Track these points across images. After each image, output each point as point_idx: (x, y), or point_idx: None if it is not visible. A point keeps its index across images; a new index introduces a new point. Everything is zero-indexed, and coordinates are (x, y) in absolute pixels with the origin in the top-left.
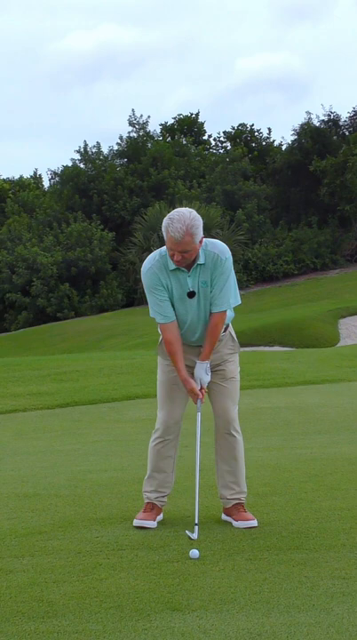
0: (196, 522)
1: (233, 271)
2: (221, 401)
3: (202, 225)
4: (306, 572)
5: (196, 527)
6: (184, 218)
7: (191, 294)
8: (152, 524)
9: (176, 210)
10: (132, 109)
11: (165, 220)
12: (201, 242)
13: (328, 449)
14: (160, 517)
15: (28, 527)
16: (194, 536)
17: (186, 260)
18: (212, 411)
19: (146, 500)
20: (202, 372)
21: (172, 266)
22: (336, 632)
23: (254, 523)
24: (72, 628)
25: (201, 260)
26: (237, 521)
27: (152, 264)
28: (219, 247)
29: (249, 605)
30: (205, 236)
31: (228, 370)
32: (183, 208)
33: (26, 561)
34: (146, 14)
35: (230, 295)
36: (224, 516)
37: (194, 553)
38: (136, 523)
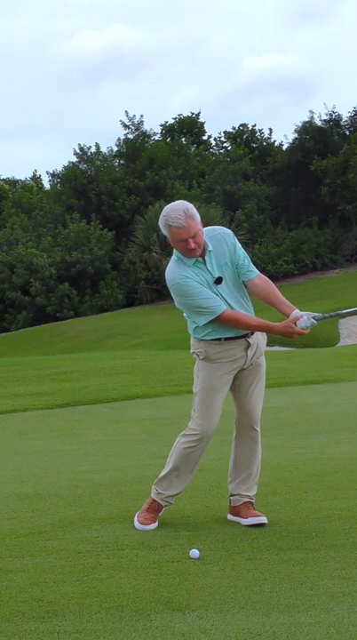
0: None
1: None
2: (252, 398)
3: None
4: (306, 572)
5: None
6: (177, 206)
7: (218, 280)
8: (154, 525)
9: (165, 207)
10: (126, 111)
11: (161, 219)
12: (202, 224)
13: (328, 449)
14: (161, 512)
15: (28, 527)
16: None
17: (199, 245)
18: (237, 406)
19: (154, 497)
20: (303, 315)
21: (190, 262)
22: (336, 632)
23: (264, 519)
24: (72, 627)
25: (210, 247)
26: (247, 518)
27: (177, 271)
28: (216, 229)
29: (250, 605)
30: None
31: (263, 364)
32: (170, 203)
33: (26, 561)
34: (153, 16)
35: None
36: (230, 517)
37: (194, 553)
38: (139, 527)
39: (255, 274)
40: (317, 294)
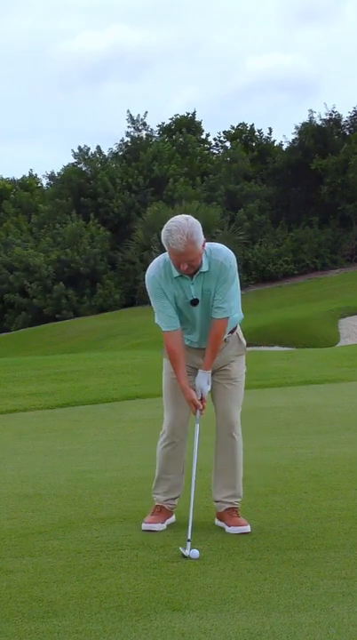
0: (189, 538)
1: (237, 278)
2: (224, 402)
3: (201, 229)
4: (306, 572)
5: (189, 543)
6: (182, 227)
7: (194, 302)
8: (160, 526)
9: (172, 220)
10: (127, 110)
11: (164, 233)
12: (203, 245)
13: (328, 449)
14: (172, 520)
15: (28, 527)
16: (187, 552)
17: (193, 267)
18: (214, 411)
19: (156, 503)
20: (204, 382)
21: (176, 273)
22: (336, 632)
23: (247, 528)
24: (72, 628)
25: (204, 268)
26: (230, 526)
27: (155, 273)
28: (224, 253)
29: (250, 605)
30: (206, 238)
31: (233, 370)
32: (178, 216)
33: (26, 561)
34: (153, 16)
35: (233, 302)
36: (217, 522)
37: (195, 553)
38: (144, 527)
39: (217, 316)
40: (317, 294)
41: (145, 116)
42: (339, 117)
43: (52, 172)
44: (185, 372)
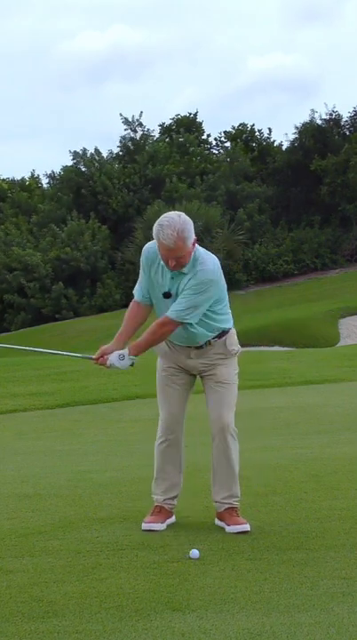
0: None
1: (221, 287)
2: (216, 405)
3: (193, 227)
4: (306, 572)
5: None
6: (174, 223)
7: (167, 295)
8: (160, 526)
9: (165, 215)
10: (120, 113)
11: (155, 227)
12: (194, 244)
13: (328, 449)
14: (172, 520)
15: (28, 527)
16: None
17: (180, 265)
18: (208, 414)
19: (156, 503)
20: (115, 357)
21: (160, 259)
22: (336, 632)
23: (246, 527)
24: (72, 628)
25: (186, 270)
26: (230, 525)
27: (150, 249)
28: (209, 267)
29: (250, 605)
30: (205, 238)
31: (220, 373)
32: (172, 212)
33: (26, 561)
34: (153, 16)
35: (192, 311)
36: (217, 522)
37: (194, 553)
38: (144, 527)
39: (167, 312)
40: (317, 294)
41: (140, 117)
42: (339, 117)
43: (52, 172)
44: (123, 336)
